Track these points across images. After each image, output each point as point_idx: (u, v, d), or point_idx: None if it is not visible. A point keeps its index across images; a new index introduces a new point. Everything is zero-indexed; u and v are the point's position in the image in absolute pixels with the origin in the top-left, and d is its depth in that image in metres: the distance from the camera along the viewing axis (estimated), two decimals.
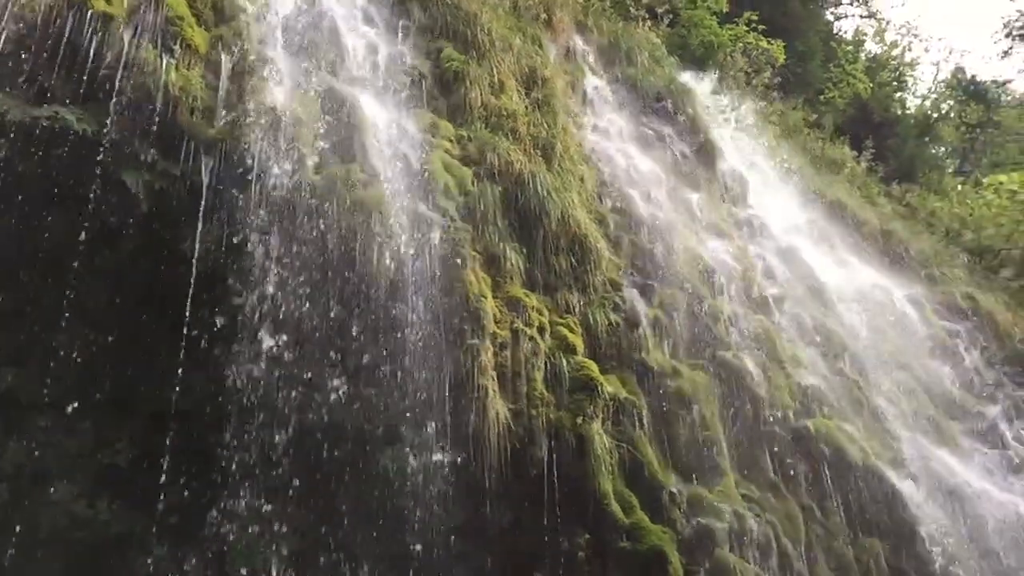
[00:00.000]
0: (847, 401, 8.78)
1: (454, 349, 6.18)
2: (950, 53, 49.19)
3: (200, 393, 5.55)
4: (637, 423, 6.88)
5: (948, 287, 12.41)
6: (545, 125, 8.63)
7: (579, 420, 6.43)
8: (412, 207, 6.60)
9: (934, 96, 27.29)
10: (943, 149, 26.52)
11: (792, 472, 7.78)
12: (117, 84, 5.72)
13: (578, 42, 11.58)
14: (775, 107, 16.48)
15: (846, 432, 8.25)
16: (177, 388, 5.42)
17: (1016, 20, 27.32)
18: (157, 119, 5.81)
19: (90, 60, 5.72)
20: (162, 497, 5.31)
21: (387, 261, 6.17)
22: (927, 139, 23.35)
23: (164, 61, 5.98)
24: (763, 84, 16.39)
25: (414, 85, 7.95)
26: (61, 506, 5.41)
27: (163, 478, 5.32)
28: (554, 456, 6.22)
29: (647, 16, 14.33)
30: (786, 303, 9.61)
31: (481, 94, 8.27)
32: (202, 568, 5.52)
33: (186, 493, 5.47)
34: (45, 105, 5.53)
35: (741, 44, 16.57)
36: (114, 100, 5.68)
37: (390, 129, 7.09)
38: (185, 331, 5.52)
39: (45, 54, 5.63)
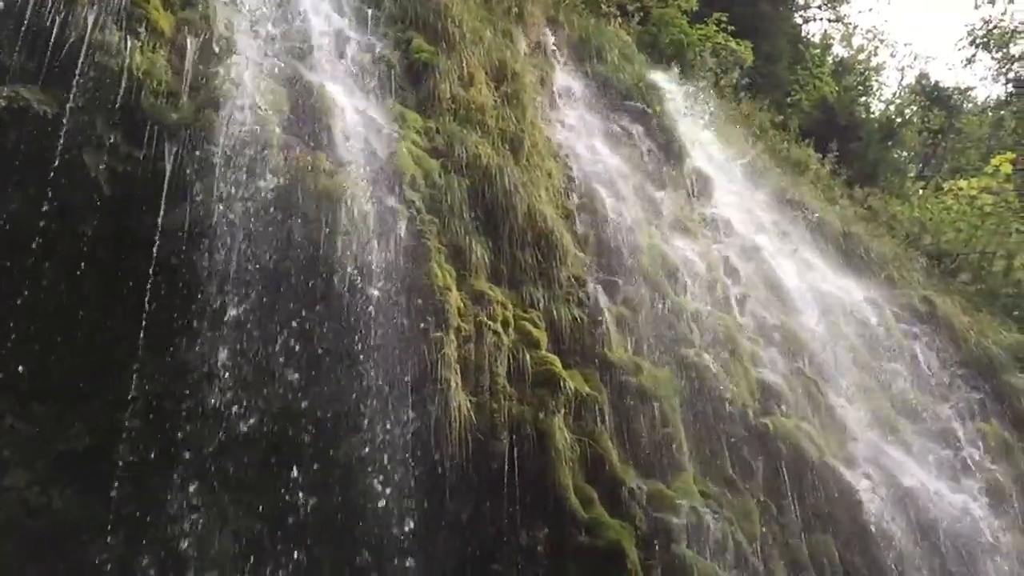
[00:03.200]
0: (805, 400, 8.89)
1: (417, 341, 6.16)
2: (915, 59, 50.16)
3: (158, 380, 5.48)
4: (598, 418, 6.91)
5: (907, 290, 12.60)
6: (514, 119, 8.62)
7: (541, 415, 6.46)
8: (378, 197, 6.56)
9: (898, 101, 27.81)
10: (905, 154, 26.97)
11: (750, 469, 7.87)
12: (79, 66, 5.62)
13: (549, 37, 11.59)
14: (742, 107, 16.62)
15: (804, 430, 8.35)
16: (135, 374, 5.36)
17: (979, 29, 27.89)
18: (120, 102, 5.71)
19: (52, 41, 5.62)
20: (117, 485, 5.25)
21: (352, 251, 6.14)
22: (890, 143, 23.69)
23: (128, 44, 5.88)
24: (731, 84, 16.54)
25: (383, 75, 7.91)
26: (14, 493, 5.32)
27: (119, 465, 5.26)
28: (515, 450, 6.23)
29: (618, 13, 14.39)
30: (748, 302, 9.71)
31: (450, 86, 8.25)
32: (158, 558, 5.47)
33: (142, 481, 5.41)
34: (5, 85, 5.42)
35: (710, 44, 16.71)
36: (76, 82, 5.58)
37: (357, 118, 7.05)
38: (144, 317, 5.45)
39: (5, 33, 5.52)
